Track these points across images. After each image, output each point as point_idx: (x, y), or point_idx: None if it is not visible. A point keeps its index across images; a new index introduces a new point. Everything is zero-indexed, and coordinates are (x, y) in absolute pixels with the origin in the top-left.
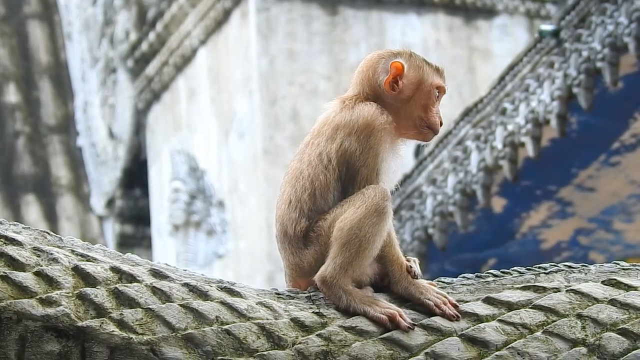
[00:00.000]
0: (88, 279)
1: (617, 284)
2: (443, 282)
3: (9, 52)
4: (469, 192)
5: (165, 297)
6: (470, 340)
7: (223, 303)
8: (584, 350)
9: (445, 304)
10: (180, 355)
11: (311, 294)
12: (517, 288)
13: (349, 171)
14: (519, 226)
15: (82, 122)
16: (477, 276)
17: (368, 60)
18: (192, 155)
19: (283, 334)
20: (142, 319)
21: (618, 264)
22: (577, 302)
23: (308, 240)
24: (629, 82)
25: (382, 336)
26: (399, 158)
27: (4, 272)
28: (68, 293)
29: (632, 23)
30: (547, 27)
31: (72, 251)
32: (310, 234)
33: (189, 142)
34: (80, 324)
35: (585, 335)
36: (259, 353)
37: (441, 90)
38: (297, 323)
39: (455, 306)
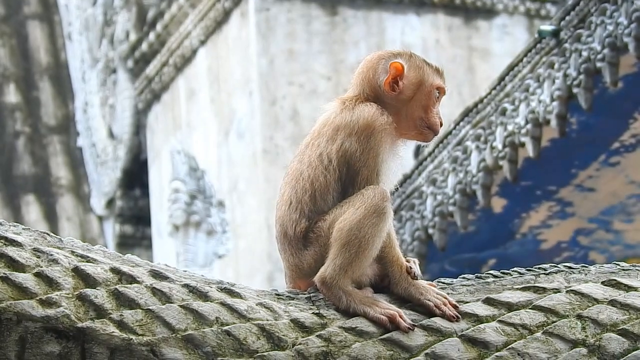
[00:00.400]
0: (88, 280)
1: (617, 285)
2: (443, 282)
3: (8, 53)
4: (469, 192)
5: (165, 298)
6: (470, 341)
7: (223, 304)
8: (584, 350)
9: (445, 305)
10: (180, 356)
11: (311, 294)
12: (517, 289)
13: (349, 172)
14: (519, 226)
15: (82, 123)
16: (477, 277)
17: (368, 61)
18: (192, 155)
19: (283, 335)
20: (142, 319)
21: (618, 264)
22: (577, 303)
23: (308, 241)
24: (628, 83)
25: (382, 337)
26: (399, 159)
27: (4, 273)
28: (68, 294)
29: (632, 23)
30: (547, 27)
31: (72, 252)
32: (310, 234)
33: (188, 142)
34: (80, 325)
35: (586, 335)
36: (259, 354)
37: (441, 90)
38: (297, 324)
39: (455, 307)
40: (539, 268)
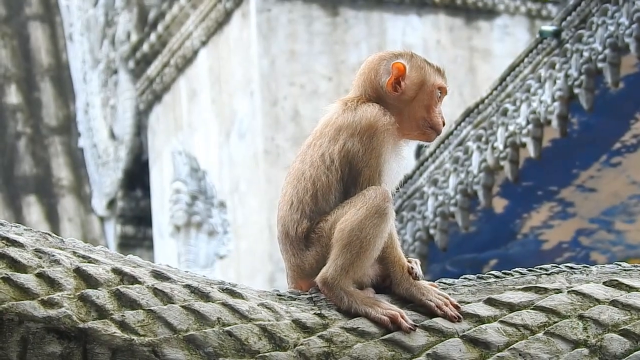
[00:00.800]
0: (90, 281)
1: (618, 285)
2: (444, 283)
3: (10, 53)
4: (470, 192)
5: (166, 298)
6: (472, 341)
7: (224, 304)
8: (585, 351)
9: (446, 305)
10: (181, 357)
11: (312, 295)
12: (519, 289)
13: (351, 172)
14: (520, 227)
15: (83, 123)
16: (478, 277)
17: (369, 62)
18: (193, 156)
19: (284, 335)
20: (143, 320)
21: (619, 264)
22: (579, 303)
23: (309, 242)
24: (630, 83)
25: (383, 337)
26: (401, 159)
27: (5, 274)
28: (70, 295)
29: (633, 24)
30: (548, 27)
31: (74, 253)
32: (311, 235)
33: (190, 142)
34: (81, 325)
35: (587, 336)
36: (260, 354)
37: (443, 90)
38: (299, 324)
39: (456, 307)
40: (541, 268)
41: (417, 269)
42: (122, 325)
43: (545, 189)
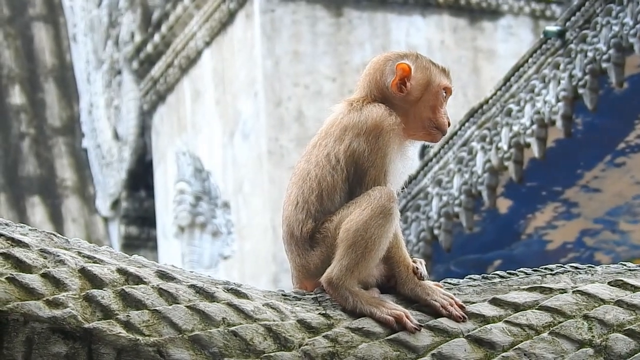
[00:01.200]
0: (95, 281)
1: (623, 285)
2: (449, 283)
3: (13, 54)
4: (475, 193)
5: (171, 298)
6: (477, 341)
7: (230, 304)
8: (590, 351)
9: (451, 305)
10: (186, 357)
11: (317, 295)
12: (524, 289)
13: (357, 172)
14: (524, 227)
15: (87, 124)
16: (483, 277)
17: (375, 63)
18: (197, 156)
19: (290, 336)
20: (148, 320)
21: (624, 265)
22: (584, 303)
23: (314, 242)
24: (634, 83)
25: (388, 337)
26: (406, 159)
27: (11, 274)
28: (75, 295)
29: (637, 24)
30: (552, 28)
31: (79, 253)
32: (316, 235)
33: (194, 143)
34: (87, 325)
35: (592, 336)
36: (265, 354)
37: (448, 90)
38: (304, 324)
39: (461, 307)
40: (546, 268)
41: (422, 269)
42: (127, 325)
43: (549, 189)
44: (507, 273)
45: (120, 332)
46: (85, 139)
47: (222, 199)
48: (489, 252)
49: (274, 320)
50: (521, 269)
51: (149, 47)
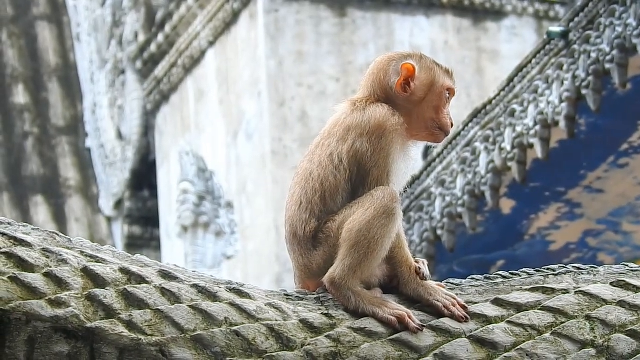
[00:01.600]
0: (97, 280)
1: (625, 286)
2: (452, 283)
3: (17, 53)
4: (478, 193)
5: (174, 298)
6: (479, 341)
7: (232, 304)
8: (592, 351)
9: (454, 306)
10: (189, 356)
11: (320, 295)
12: (526, 289)
13: (359, 172)
14: (527, 227)
15: (90, 124)
16: (485, 277)
17: (378, 63)
18: (201, 156)
19: (292, 335)
20: (151, 320)
21: (627, 265)
22: (586, 304)
23: (317, 242)
24: (637, 84)
25: (391, 337)
26: (409, 160)
27: (13, 273)
28: (77, 294)
29: None
30: (556, 28)
31: (82, 252)
32: (319, 235)
33: (197, 143)
34: (89, 325)
35: (594, 336)
36: (267, 354)
37: (451, 91)
38: (306, 324)
39: (464, 307)
40: (548, 269)
41: (425, 269)
42: (130, 324)
43: (552, 190)
44: (510, 273)
45: (122, 332)
46: (89, 138)
47: (225, 198)
48: (492, 253)
49: (276, 320)
50: (524, 270)
51: (153, 47)
